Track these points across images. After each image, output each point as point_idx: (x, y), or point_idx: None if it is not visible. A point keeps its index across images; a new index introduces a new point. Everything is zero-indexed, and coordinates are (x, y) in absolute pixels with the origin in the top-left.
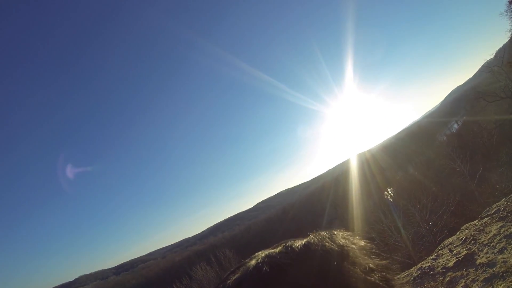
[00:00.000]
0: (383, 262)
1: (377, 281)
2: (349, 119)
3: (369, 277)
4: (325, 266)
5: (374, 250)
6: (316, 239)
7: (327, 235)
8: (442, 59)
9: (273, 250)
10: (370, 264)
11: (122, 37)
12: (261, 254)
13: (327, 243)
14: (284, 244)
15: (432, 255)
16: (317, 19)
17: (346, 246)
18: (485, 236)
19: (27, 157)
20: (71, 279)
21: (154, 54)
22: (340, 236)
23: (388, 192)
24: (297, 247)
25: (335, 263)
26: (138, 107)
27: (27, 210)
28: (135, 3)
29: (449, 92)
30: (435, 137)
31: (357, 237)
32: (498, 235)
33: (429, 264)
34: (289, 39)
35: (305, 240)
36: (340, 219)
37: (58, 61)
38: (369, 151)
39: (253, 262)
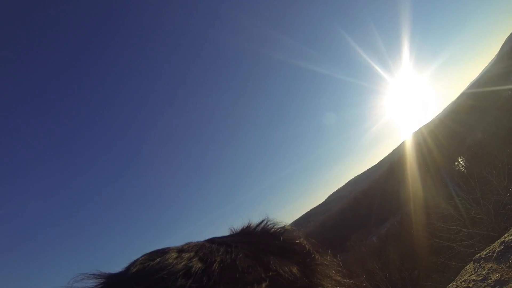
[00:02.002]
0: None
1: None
2: (408, 95)
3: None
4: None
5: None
6: None
7: None
8: (490, 10)
9: None
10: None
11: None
12: None
13: None
14: None
15: None
16: None
17: None
18: None
19: None
20: None
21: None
22: None
23: (459, 162)
24: None
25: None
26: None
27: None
28: None
29: (503, 40)
30: (499, 93)
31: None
32: None
33: None
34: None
35: None
36: (413, 199)
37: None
38: (432, 122)
39: None
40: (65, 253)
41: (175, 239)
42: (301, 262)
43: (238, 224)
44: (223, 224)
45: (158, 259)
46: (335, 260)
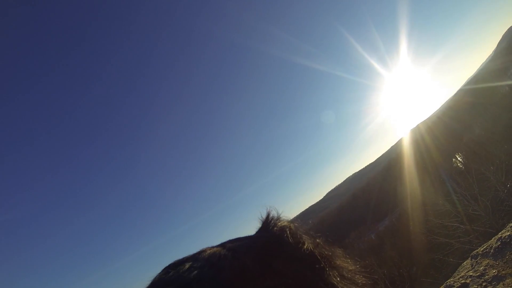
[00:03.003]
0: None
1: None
2: (406, 92)
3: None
4: None
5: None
6: None
7: None
8: (486, 6)
9: None
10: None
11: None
12: None
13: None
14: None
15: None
16: None
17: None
18: None
19: None
20: None
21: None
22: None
23: (457, 159)
24: None
25: None
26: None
27: None
28: None
29: (500, 36)
30: (496, 89)
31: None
32: None
33: (509, 233)
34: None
35: None
36: (411, 196)
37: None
38: (429, 118)
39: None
40: (61, 254)
41: (177, 234)
42: (314, 265)
43: (229, 226)
44: (220, 223)
45: (172, 272)
46: (348, 256)
